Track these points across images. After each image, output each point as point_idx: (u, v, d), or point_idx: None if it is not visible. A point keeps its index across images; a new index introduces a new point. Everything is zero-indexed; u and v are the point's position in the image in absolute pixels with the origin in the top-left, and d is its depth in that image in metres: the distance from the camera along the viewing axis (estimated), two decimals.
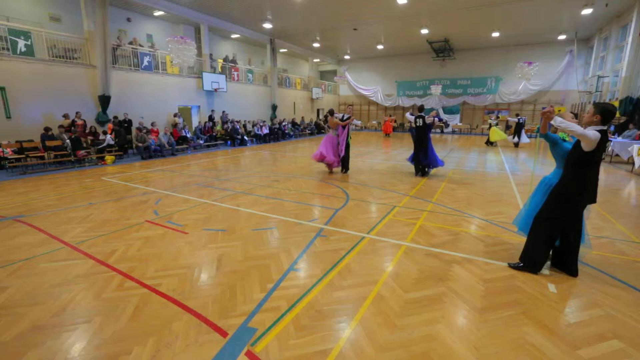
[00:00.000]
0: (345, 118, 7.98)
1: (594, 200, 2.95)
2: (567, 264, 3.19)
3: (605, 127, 2.79)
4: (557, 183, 3.07)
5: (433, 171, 8.43)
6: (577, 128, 2.67)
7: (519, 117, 14.73)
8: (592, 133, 2.66)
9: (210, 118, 15.43)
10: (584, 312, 2.62)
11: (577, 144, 2.87)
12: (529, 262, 3.23)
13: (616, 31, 14.60)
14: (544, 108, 2.99)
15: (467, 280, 3.09)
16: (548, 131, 3.20)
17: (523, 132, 14.71)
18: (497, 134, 14.46)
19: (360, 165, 9.77)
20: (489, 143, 15.08)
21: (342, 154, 8.06)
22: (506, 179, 7.75)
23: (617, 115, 13.04)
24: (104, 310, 2.61)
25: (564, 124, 2.73)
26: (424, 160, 7.80)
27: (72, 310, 2.60)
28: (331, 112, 8.22)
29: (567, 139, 3.28)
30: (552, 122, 2.84)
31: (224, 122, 15.71)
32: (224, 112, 16.22)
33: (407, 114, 8.28)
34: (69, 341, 2.25)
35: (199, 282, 3.05)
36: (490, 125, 14.92)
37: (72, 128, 10.04)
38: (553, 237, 3.14)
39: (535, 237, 3.17)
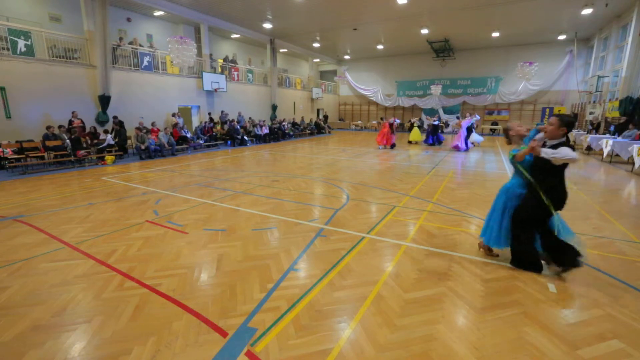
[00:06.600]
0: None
1: (561, 207, 2.98)
2: (566, 258, 3.09)
3: (564, 139, 2.85)
4: (528, 190, 3.12)
5: (433, 171, 8.72)
6: (563, 155, 2.69)
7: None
8: (574, 154, 2.68)
9: (227, 120, 15.59)
10: (584, 312, 2.62)
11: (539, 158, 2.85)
12: (523, 266, 3.26)
13: (616, 31, 14.61)
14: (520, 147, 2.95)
15: (467, 280, 3.09)
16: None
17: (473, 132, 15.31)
18: (416, 134, 16.24)
19: (360, 165, 9.78)
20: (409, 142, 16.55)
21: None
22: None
23: (617, 115, 13.05)
24: (104, 310, 2.60)
25: (556, 154, 2.71)
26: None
27: (72, 310, 2.60)
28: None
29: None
30: (542, 154, 2.77)
31: (223, 122, 15.71)
32: (222, 112, 16.23)
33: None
34: (69, 341, 2.25)
35: (199, 282, 3.05)
36: (413, 126, 16.70)
37: (71, 128, 9.94)
38: (532, 238, 3.18)
39: (518, 242, 3.22)
